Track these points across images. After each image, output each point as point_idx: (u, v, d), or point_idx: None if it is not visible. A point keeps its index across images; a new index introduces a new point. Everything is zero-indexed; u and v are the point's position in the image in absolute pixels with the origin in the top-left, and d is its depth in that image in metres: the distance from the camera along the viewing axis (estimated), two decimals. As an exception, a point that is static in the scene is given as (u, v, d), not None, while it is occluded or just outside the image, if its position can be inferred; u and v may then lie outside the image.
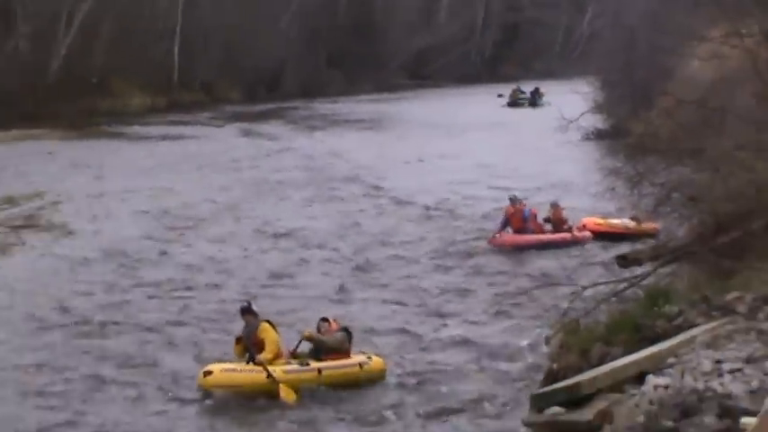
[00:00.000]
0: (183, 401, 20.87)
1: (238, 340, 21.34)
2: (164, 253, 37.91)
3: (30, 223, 44.54)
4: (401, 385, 21.61)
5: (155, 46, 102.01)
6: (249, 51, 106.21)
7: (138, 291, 33.14)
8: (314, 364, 20.45)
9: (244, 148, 71.33)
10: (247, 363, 20.30)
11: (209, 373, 20.15)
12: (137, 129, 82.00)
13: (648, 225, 32.37)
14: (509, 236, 34.24)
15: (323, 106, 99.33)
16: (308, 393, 19.75)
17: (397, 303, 31.66)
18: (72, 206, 47.50)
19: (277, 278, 35.26)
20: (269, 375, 19.56)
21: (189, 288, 33.56)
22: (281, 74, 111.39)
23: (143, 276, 34.93)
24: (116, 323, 29.76)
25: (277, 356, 20.39)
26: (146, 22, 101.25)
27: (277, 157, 66.96)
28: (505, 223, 34.62)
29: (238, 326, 25.31)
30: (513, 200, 35.55)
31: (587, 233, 34.53)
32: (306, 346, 21.06)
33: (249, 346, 20.49)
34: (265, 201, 50.83)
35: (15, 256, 38.64)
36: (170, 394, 22.98)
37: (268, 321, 20.97)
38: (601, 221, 35.37)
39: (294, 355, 21.04)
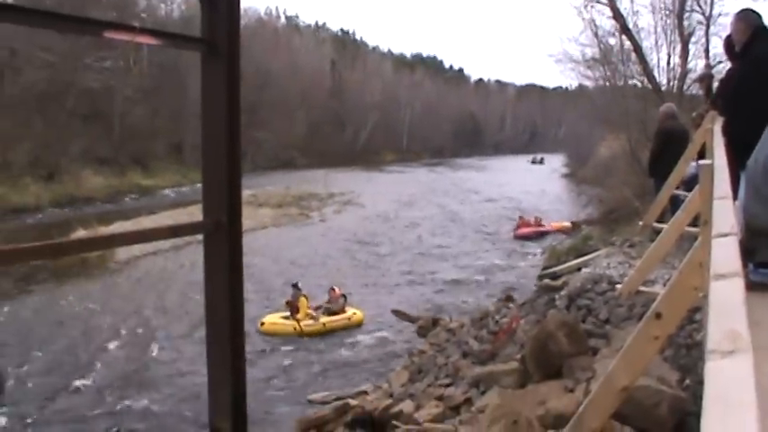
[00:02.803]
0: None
1: (287, 302, 21.37)
2: (396, 216, 46.30)
3: (348, 203, 52.79)
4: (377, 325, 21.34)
5: (399, 134, 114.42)
6: (432, 137, 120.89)
7: (386, 227, 41.61)
8: (321, 320, 20.61)
9: (427, 176, 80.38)
10: (286, 318, 20.52)
11: (262, 323, 20.23)
12: (388, 168, 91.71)
13: (577, 224, 35.14)
14: (520, 231, 38.45)
15: (458, 161, 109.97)
16: (317, 336, 20.00)
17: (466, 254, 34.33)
18: (364, 197, 55.15)
19: (434, 224, 42.84)
20: (295, 328, 20.09)
21: (407, 226, 41.87)
22: (443, 147, 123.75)
23: (391, 223, 43.24)
24: (369, 242, 37.74)
25: (304, 316, 20.58)
26: (393, 123, 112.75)
27: (440, 179, 75.27)
28: (518, 225, 39.33)
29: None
30: (522, 215, 40.88)
31: (552, 228, 38.23)
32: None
33: (291, 307, 20.95)
34: (435, 196, 58.42)
35: (344, 214, 47.21)
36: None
37: (304, 295, 21.17)
38: (558, 223, 39.28)
39: (316, 308, 21.33)
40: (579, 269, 13.67)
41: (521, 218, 40.33)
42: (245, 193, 12.51)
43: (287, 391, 15.74)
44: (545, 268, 18.66)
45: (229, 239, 10.17)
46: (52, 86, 55.33)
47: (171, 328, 20.44)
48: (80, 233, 32.61)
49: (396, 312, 21.73)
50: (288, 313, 21.07)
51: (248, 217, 13.04)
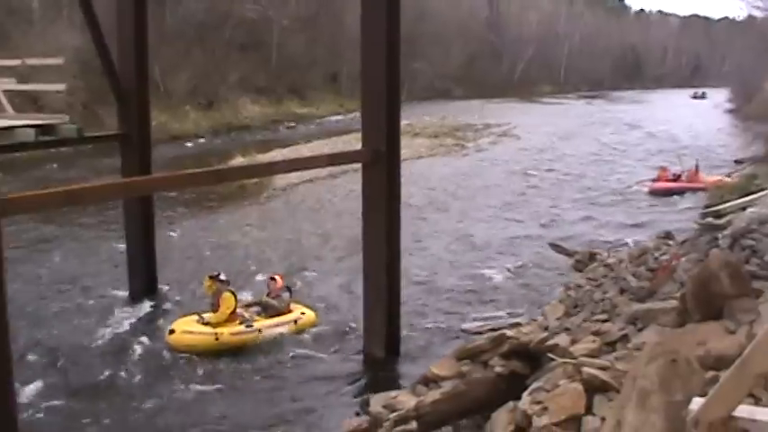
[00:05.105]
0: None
1: (212, 281, 14.90)
2: (553, 148, 45.63)
3: (503, 134, 52.20)
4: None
5: (556, 66, 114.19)
6: (591, 69, 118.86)
7: (542, 159, 40.82)
8: (256, 325, 14.65)
9: (584, 109, 78.88)
10: (207, 324, 14.44)
11: (172, 331, 14.36)
12: (544, 100, 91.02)
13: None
14: (656, 185, 31.76)
15: (616, 94, 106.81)
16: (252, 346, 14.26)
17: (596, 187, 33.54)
18: (520, 128, 54.31)
19: (591, 158, 42.26)
20: (217, 338, 14.14)
21: (563, 159, 40.80)
22: (602, 79, 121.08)
23: (546, 155, 42.57)
24: (525, 174, 37.08)
25: (229, 319, 14.52)
26: (550, 55, 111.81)
27: (597, 113, 73.28)
28: (657, 178, 32.48)
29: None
30: (663, 168, 33.10)
31: (700, 184, 29.95)
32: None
33: (214, 305, 14.71)
34: (592, 129, 56.92)
35: (499, 145, 46.78)
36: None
37: (231, 291, 14.81)
38: (710, 178, 31.06)
39: (249, 305, 15.47)
40: (744, 209, 12.98)
41: (662, 168, 33.64)
42: (401, 123, 12.61)
43: (439, 320, 15.69)
44: (707, 206, 18.12)
45: (387, 168, 10.56)
46: (211, 17, 56.96)
47: (326, 255, 20.76)
48: (238, 160, 33.80)
49: (553, 246, 21.38)
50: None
51: (404, 146, 13.13)
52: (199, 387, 12.61)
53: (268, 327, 14.66)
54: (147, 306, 16.23)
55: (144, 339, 14.38)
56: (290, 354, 13.94)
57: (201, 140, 46.64)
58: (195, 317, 14.71)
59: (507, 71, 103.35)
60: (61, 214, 22.32)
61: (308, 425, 10.85)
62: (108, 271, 18.63)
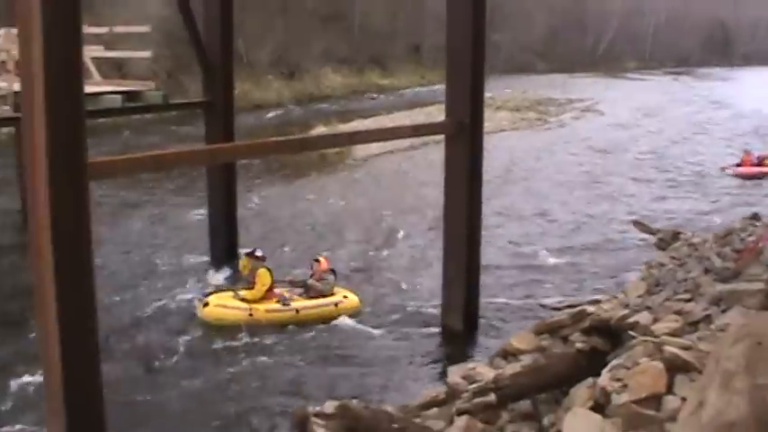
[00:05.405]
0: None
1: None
2: (637, 125, 44.43)
3: (586, 109, 51.02)
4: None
5: (642, 41, 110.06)
6: (677, 45, 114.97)
7: (626, 136, 40.17)
8: (294, 305, 14.29)
9: (670, 86, 76.18)
10: (243, 300, 14.20)
11: (206, 304, 14.14)
12: (629, 75, 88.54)
13: None
14: (739, 170, 30.30)
15: (702, 71, 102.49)
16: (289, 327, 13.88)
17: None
18: (603, 104, 53.09)
19: (678, 136, 40.60)
20: (251, 314, 13.91)
21: (649, 136, 39.81)
22: (688, 56, 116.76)
23: (631, 131, 41.45)
24: (609, 150, 36.60)
25: (265, 297, 14.22)
26: (635, 30, 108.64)
27: (683, 89, 70.94)
28: (739, 163, 30.86)
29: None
30: (746, 152, 31.56)
31: None
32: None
33: (250, 282, 14.48)
34: (677, 106, 55.28)
35: (581, 121, 45.92)
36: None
37: (266, 267, 14.46)
38: None
39: (293, 284, 15.06)
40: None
41: (745, 152, 32.10)
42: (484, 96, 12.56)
43: (514, 296, 15.65)
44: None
45: (471, 140, 10.56)
46: (293, -12, 57.20)
47: (406, 227, 20.80)
48: (320, 130, 34.01)
49: (636, 223, 21.11)
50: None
51: (486, 119, 13.00)
52: (267, 359, 12.73)
53: (306, 307, 14.32)
54: (227, 271, 16.50)
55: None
56: (365, 329, 14.03)
57: (282, 110, 47.00)
58: (231, 293, 14.53)
59: (591, 46, 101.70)
60: (142, 181, 22.80)
61: (386, 394, 10.93)
62: (190, 237, 19.07)
